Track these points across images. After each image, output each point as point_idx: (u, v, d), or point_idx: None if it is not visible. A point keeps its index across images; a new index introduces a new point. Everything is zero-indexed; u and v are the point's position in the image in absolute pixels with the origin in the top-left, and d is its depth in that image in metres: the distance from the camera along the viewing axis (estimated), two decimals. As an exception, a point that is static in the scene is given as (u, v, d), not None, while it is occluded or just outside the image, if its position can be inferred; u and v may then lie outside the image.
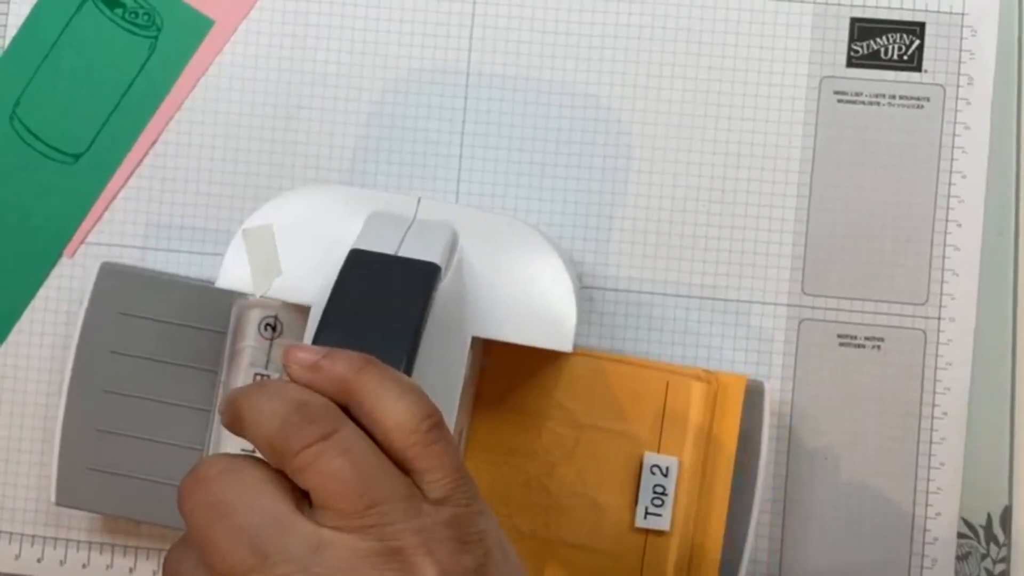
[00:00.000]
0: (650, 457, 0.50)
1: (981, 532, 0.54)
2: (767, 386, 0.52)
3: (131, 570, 0.55)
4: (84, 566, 0.55)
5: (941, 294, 0.54)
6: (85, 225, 0.56)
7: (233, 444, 0.51)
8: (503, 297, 0.47)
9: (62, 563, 0.55)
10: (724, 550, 0.51)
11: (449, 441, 0.37)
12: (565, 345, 0.47)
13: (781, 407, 0.54)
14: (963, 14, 0.54)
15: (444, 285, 0.45)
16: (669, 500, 0.50)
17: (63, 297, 0.56)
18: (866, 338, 0.54)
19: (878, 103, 0.54)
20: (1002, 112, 0.54)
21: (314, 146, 0.55)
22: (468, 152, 0.55)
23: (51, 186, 0.56)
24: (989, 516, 0.54)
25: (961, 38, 0.54)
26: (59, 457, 0.52)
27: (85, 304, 0.53)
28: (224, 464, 0.36)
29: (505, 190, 0.55)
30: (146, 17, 0.56)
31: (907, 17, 0.54)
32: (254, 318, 0.51)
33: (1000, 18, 0.54)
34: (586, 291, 0.55)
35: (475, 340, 0.47)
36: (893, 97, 0.54)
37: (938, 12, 0.54)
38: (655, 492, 0.50)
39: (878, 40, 0.54)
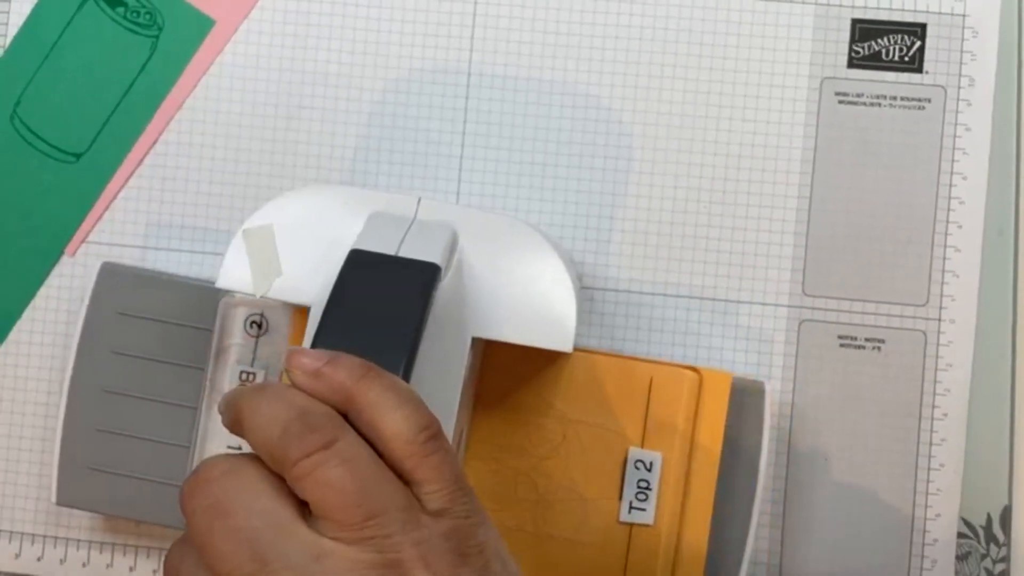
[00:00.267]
0: (634, 452, 0.50)
1: (981, 532, 0.54)
2: (767, 387, 0.52)
3: (131, 569, 0.55)
4: (84, 565, 0.55)
5: (941, 295, 0.54)
6: (85, 225, 0.56)
7: (219, 442, 0.51)
8: (503, 297, 0.47)
9: (62, 562, 0.55)
10: (722, 548, 0.51)
11: (447, 452, 0.37)
12: (565, 345, 0.47)
13: (781, 408, 0.54)
14: (964, 15, 0.54)
15: (444, 285, 0.45)
16: (653, 495, 0.50)
17: (63, 297, 0.56)
18: (866, 339, 0.54)
19: (879, 104, 0.54)
20: (1003, 113, 0.54)
21: (315, 146, 0.55)
22: (468, 152, 0.55)
23: (52, 186, 0.56)
24: (989, 516, 0.54)
25: (962, 39, 0.54)
26: (59, 457, 0.52)
27: (85, 304, 0.53)
28: (226, 465, 0.36)
29: (505, 190, 0.55)
30: (147, 16, 0.56)
31: (908, 18, 0.54)
32: (240, 316, 0.52)
33: (1001, 19, 0.54)
34: (586, 291, 0.55)
35: (475, 340, 0.47)
36: (894, 98, 0.54)
37: (939, 13, 0.54)
38: (639, 487, 0.50)
39: (879, 41, 0.54)
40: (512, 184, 0.55)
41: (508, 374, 0.51)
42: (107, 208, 0.56)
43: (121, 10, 0.56)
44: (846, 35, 0.54)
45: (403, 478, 0.36)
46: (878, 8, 0.54)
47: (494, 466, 0.51)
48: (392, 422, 0.36)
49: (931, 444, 0.54)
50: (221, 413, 0.38)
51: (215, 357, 0.52)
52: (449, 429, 0.44)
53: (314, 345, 0.40)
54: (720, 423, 0.50)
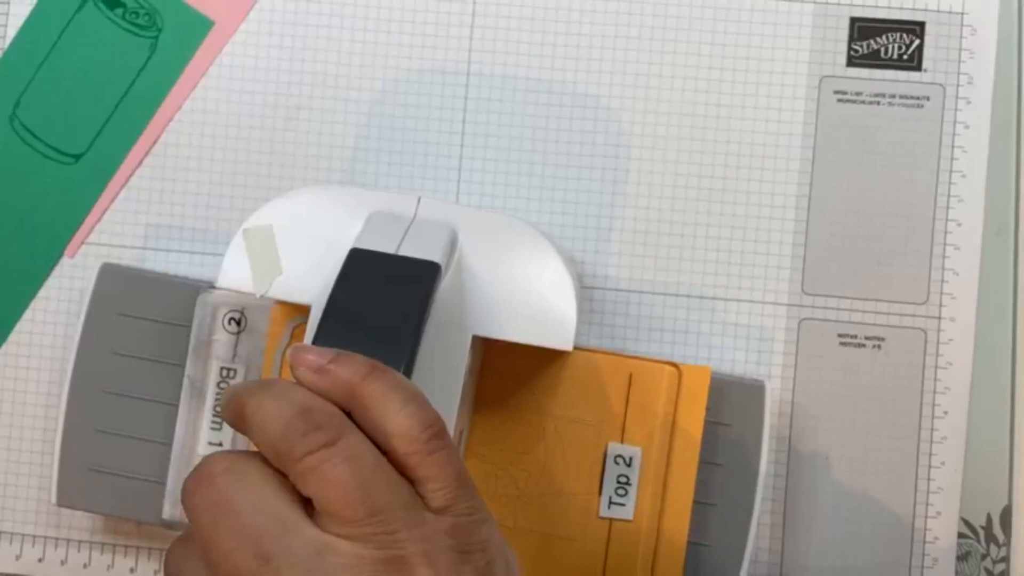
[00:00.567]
0: (614, 447, 0.50)
1: (981, 532, 0.54)
2: (767, 385, 0.52)
3: (132, 570, 0.55)
4: (85, 566, 0.55)
5: (941, 293, 0.54)
6: (85, 225, 0.56)
7: (202, 439, 0.51)
8: (503, 296, 0.47)
9: (63, 563, 0.55)
10: (722, 547, 0.51)
11: (451, 450, 0.37)
12: (566, 344, 0.47)
13: (781, 407, 0.54)
14: (963, 13, 0.54)
15: (444, 284, 0.45)
16: (632, 490, 0.50)
17: (63, 298, 0.56)
18: (866, 337, 0.54)
19: (878, 102, 0.54)
20: (1002, 111, 0.54)
21: (314, 146, 0.55)
22: (468, 152, 0.55)
23: (51, 186, 0.56)
24: (989, 516, 0.54)
25: (961, 37, 0.54)
26: (59, 457, 0.52)
27: (85, 304, 0.53)
28: (229, 463, 0.36)
29: (505, 190, 0.55)
30: (146, 17, 0.56)
31: (907, 16, 0.54)
32: (219, 312, 0.52)
33: (1000, 17, 0.54)
34: (586, 291, 0.55)
35: (475, 339, 0.47)
36: (893, 96, 0.54)
37: (938, 11, 0.54)
38: (619, 482, 0.50)
39: (878, 39, 0.54)
40: (512, 184, 0.55)
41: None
42: (107, 209, 0.56)
43: (120, 11, 0.56)
44: (845, 33, 0.54)
45: (406, 476, 0.36)
46: (877, 6, 0.54)
47: (474, 461, 0.51)
48: (396, 420, 0.36)
49: (931, 442, 0.54)
50: (223, 408, 0.38)
51: (194, 353, 0.52)
52: (450, 428, 0.44)
53: (315, 344, 0.40)
54: (699, 418, 0.50)
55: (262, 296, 0.47)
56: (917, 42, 0.54)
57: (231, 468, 0.36)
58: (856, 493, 0.54)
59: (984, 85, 0.54)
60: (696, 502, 0.51)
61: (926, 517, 0.54)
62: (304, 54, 0.56)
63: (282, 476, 0.36)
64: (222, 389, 0.51)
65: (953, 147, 0.54)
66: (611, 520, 0.50)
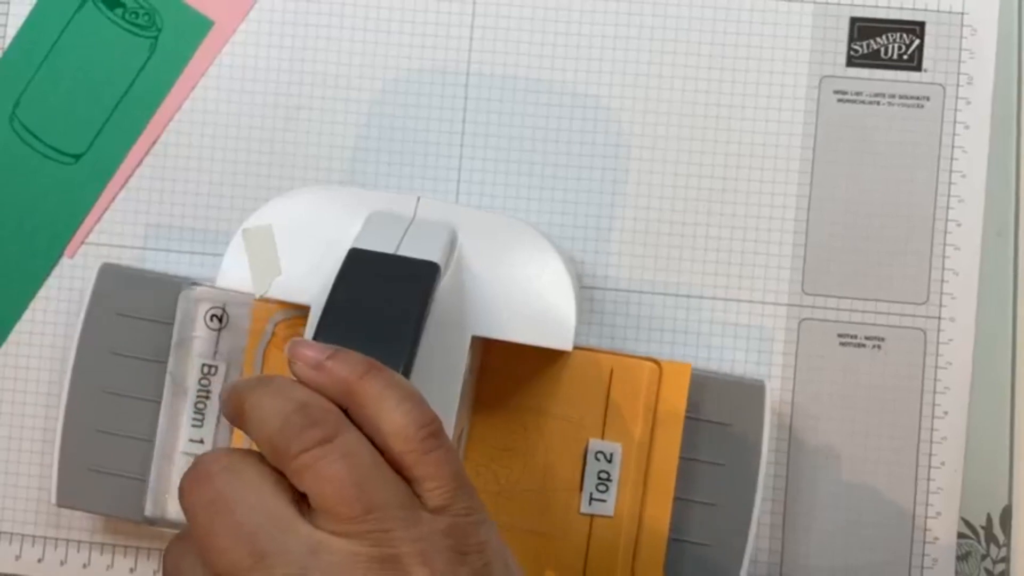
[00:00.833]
0: (594, 444, 0.50)
1: (981, 532, 0.54)
2: (767, 385, 0.52)
3: (131, 570, 0.55)
4: (85, 566, 0.55)
5: (941, 293, 0.54)
6: (85, 225, 0.56)
7: (183, 435, 0.51)
8: (503, 296, 0.47)
9: (63, 563, 0.55)
10: (722, 547, 0.51)
11: (448, 449, 0.37)
12: (565, 344, 0.47)
13: (781, 407, 0.54)
14: (963, 13, 0.54)
15: (444, 284, 0.45)
16: (613, 486, 0.50)
17: (63, 297, 0.56)
18: (866, 337, 0.54)
19: (878, 102, 0.54)
20: (1002, 111, 0.54)
21: (314, 146, 0.55)
22: (468, 152, 0.55)
23: (51, 186, 0.56)
24: (989, 516, 0.54)
25: (961, 37, 0.54)
26: (59, 457, 0.52)
27: (85, 304, 0.53)
28: (226, 460, 0.36)
29: (505, 190, 0.55)
30: (146, 17, 0.56)
31: (907, 16, 0.54)
32: (201, 309, 0.52)
33: (1000, 17, 0.54)
34: (586, 291, 0.54)
35: (475, 339, 0.47)
36: (893, 96, 0.54)
37: (938, 11, 0.54)
38: (599, 478, 0.50)
39: (878, 39, 0.54)
40: (511, 184, 0.55)
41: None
42: (106, 209, 0.56)
43: (120, 11, 0.56)
44: (845, 33, 0.54)
45: (403, 475, 0.36)
46: (877, 6, 0.54)
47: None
48: (393, 419, 0.36)
49: (931, 442, 0.54)
50: (222, 404, 0.38)
51: (175, 350, 0.52)
52: (449, 428, 0.44)
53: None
54: (680, 414, 0.50)
55: (262, 296, 0.47)
56: (917, 42, 0.54)
57: (228, 466, 0.36)
58: (856, 493, 0.54)
59: (984, 85, 0.54)
60: (696, 502, 0.51)
61: (926, 517, 0.54)
62: (304, 54, 0.56)
63: (279, 474, 0.36)
64: (203, 386, 0.51)
65: (953, 147, 0.54)
66: (592, 516, 0.50)
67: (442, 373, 0.45)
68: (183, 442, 0.51)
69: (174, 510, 0.51)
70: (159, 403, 0.52)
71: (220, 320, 0.52)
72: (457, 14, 0.55)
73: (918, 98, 0.54)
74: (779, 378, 0.54)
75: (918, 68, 0.54)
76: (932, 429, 0.54)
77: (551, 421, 0.50)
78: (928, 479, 0.54)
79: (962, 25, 0.54)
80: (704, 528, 0.51)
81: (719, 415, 0.51)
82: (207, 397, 0.51)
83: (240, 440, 0.51)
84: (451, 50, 0.55)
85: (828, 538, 0.54)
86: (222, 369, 0.52)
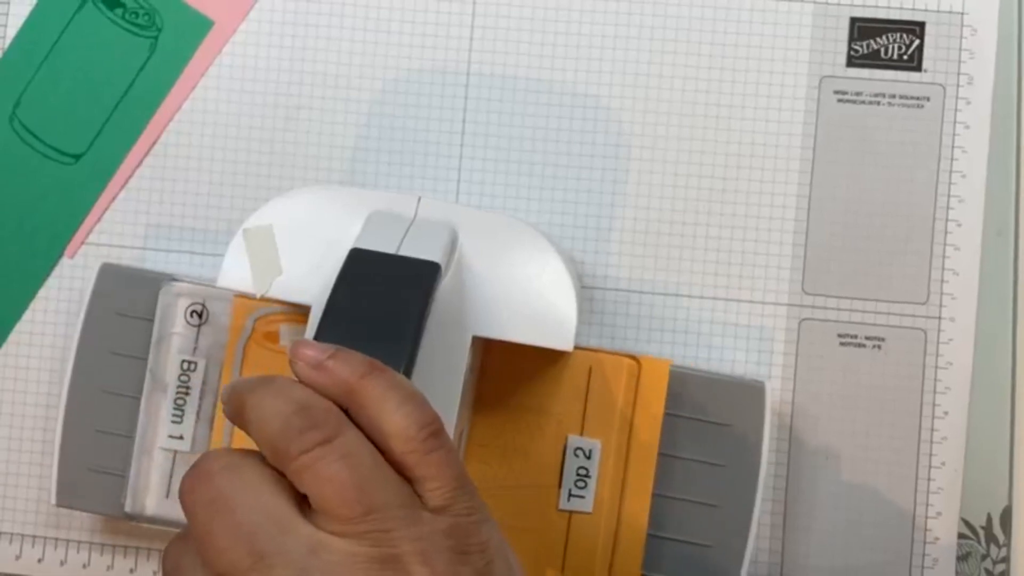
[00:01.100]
0: (573, 440, 0.50)
1: (981, 532, 0.54)
2: (767, 386, 0.52)
3: (131, 571, 0.55)
4: (84, 566, 0.55)
5: (941, 293, 0.54)
6: (85, 225, 0.56)
7: (162, 432, 0.51)
8: (503, 296, 0.47)
9: (62, 563, 0.55)
10: (722, 547, 0.51)
11: (449, 450, 0.37)
12: (566, 344, 0.47)
13: (781, 407, 0.54)
14: (963, 13, 0.54)
15: (444, 284, 0.45)
16: (592, 482, 0.50)
17: (63, 297, 0.56)
18: (867, 338, 0.54)
19: (878, 103, 0.54)
20: (1002, 111, 0.54)
21: (314, 146, 0.55)
22: (468, 152, 0.55)
23: (51, 186, 0.56)
24: (989, 516, 0.54)
25: (961, 37, 0.54)
26: (59, 457, 0.52)
27: (85, 305, 0.53)
28: (227, 459, 0.36)
29: (505, 190, 0.55)
30: (146, 17, 0.56)
31: (907, 16, 0.54)
32: (181, 305, 0.52)
33: (1000, 17, 0.54)
34: (586, 291, 0.54)
35: (475, 339, 0.47)
36: (893, 96, 0.54)
37: (938, 11, 0.54)
38: (578, 474, 0.50)
39: (878, 40, 0.54)
40: (511, 184, 0.55)
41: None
42: (106, 209, 0.56)
43: (120, 11, 0.56)
44: (845, 33, 0.54)
45: (404, 475, 0.36)
46: (877, 6, 0.54)
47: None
48: (393, 419, 0.36)
49: (932, 442, 0.54)
50: (223, 403, 0.38)
51: (155, 346, 0.52)
52: (450, 429, 0.44)
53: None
54: (659, 411, 0.50)
55: (262, 296, 0.47)
56: (917, 42, 0.54)
57: (229, 465, 0.36)
58: (856, 493, 0.54)
59: (984, 85, 0.54)
60: (696, 502, 0.51)
61: (926, 517, 0.54)
62: (304, 54, 0.56)
63: (280, 475, 0.36)
64: (183, 382, 0.51)
65: (953, 147, 0.54)
66: (571, 512, 0.50)
67: (443, 373, 0.45)
68: (162, 438, 0.51)
69: (153, 506, 0.51)
70: (159, 403, 0.53)
71: (200, 316, 0.52)
72: (457, 14, 0.55)
73: (918, 98, 0.54)
74: (779, 378, 0.54)
75: (918, 68, 0.54)
76: (932, 429, 0.54)
77: (532, 416, 0.50)
78: (928, 479, 0.54)
79: (962, 25, 0.54)
80: (704, 528, 0.51)
81: (719, 415, 0.51)
82: (187, 393, 0.51)
83: (220, 436, 0.51)
84: (451, 50, 0.55)
85: (828, 538, 0.54)
86: (202, 365, 0.52)
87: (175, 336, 0.52)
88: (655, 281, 0.55)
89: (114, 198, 0.56)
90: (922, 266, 0.54)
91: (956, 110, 0.54)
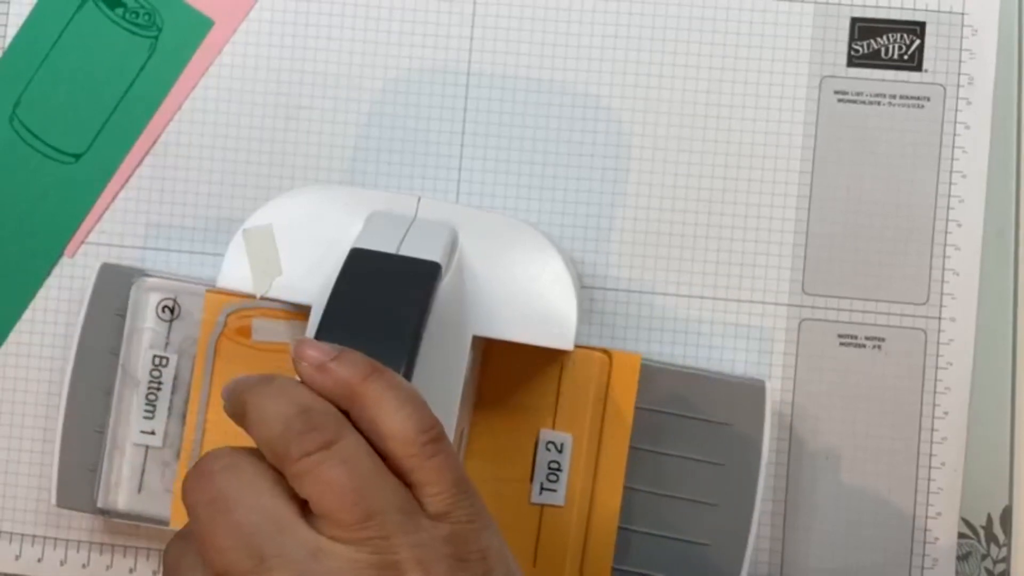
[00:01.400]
0: (545, 433, 0.50)
1: (981, 532, 0.54)
2: (767, 385, 0.52)
3: (131, 571, 0.55)
4: (84, 566, 0.55)
5: (942, 294, 0.54)
6: (85, 225, 0.56)
7: (134, 427, 0.51)
8: (504, 296, 0.47)
9: (62, 563, 0.55)
10: (722, 546, 0.51)
11: (449, 455, 0.37)
12: (566, 344, 0.47)
13: (781, 407, 0.54)
14: (963, 13, 0.54)
15: (444, 284, 0.45)
16: (564, 476, 0.50)
17: (63, 298, 0.56)
18: (867, 338, 0.54)
19: (878, 103, 0.54)
20: (1002, 112, 0.54)
21: (314, 146, 0.55)
22: (468, 152, 0.55)
23: (51, 186, 0.56)
24: (989, 516, 0.54)
25: (961, 37, 0.54)
26: (59, 457, 0.52)
27: (85, 304, 0.53)
28: (228, 459, 0.36)
29: (505, 190, 0.55)
30: (146, 17, 0.56)
31: (907, 16, 0.54)
32: (152, 300, 0.52)
33: (1000, 17, 0.54)
34: (586, 291, 0.54)
35: (476, 339, 0.47)
36: (893, 97, 0.54)
37: (938, 12, 0.54)
38: (550, 468, 0.50)
39: (878, 40, 0.54)
40: (512, 184, 0.55)
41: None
42: (106, 209, 0.56)
43: (120, 11, 0.56)
44: (845, 33, 0.54)
45: (404, 480, 0.36)
46: (877, 7, 0.54)
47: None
48: (393, 423, 0.36)
49: (932, 442, 0.54)
50: (225, 402, 0.38)
51: (127, 341, 0.52)
52: (450, 429, 0.44)
53: (315, 343, 0.40)
54: (630, 405, 0.50)
55: (262, 296, 0.47)
56: (917, 42, 0.54)
57: (230, 465, 0.36)
58: (856, 493, 0.54)
59: (984, 85, 0.54)
60: (696, 502, 0.51)
61: (926, 517, 0.54)
62: (304, 54, 0.56)
63: (280, 475, 0.36)
64: (154, 377, 0.51)
65: (953, 147, 0.54)
66: (542, 506, 0.50)
67: (443, 373, 0.45)
68: (134, 433, 0.51)
69: (124, 501, 0.51)
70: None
71: (172, 311, 0.52)
72: (457, 14, 0.55)
73: (918, 98, 0.54)
74: (779, 378, 0.54)
75: (918, 68, 0.54)
76: (932, 429, 0.54)
77: (504, 410, 0.50)
78: (928, 479, 0.54)
79: (962, 25, 0.54)
80: (704, 528, 0.51)
81: (719, 415, 0.51)
82: (158, 388, 0.51)
83: (192, 432, 0.51)
84: (451, 50, 0.55)
85: (828, 538, 0.54)
86: (174, 361, 0.51)
87: (146, 331, 0.51)
88: (655, 281, 0.55)
89: (114, 198, 0.56)
90: (922, 266, 0.54)
91: (956, 110, 0.54)
